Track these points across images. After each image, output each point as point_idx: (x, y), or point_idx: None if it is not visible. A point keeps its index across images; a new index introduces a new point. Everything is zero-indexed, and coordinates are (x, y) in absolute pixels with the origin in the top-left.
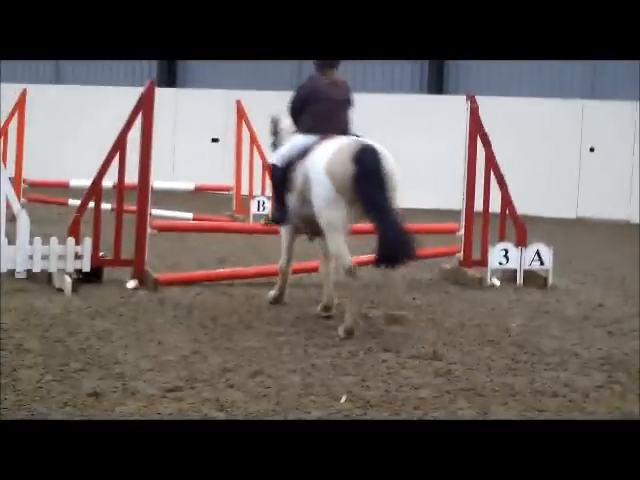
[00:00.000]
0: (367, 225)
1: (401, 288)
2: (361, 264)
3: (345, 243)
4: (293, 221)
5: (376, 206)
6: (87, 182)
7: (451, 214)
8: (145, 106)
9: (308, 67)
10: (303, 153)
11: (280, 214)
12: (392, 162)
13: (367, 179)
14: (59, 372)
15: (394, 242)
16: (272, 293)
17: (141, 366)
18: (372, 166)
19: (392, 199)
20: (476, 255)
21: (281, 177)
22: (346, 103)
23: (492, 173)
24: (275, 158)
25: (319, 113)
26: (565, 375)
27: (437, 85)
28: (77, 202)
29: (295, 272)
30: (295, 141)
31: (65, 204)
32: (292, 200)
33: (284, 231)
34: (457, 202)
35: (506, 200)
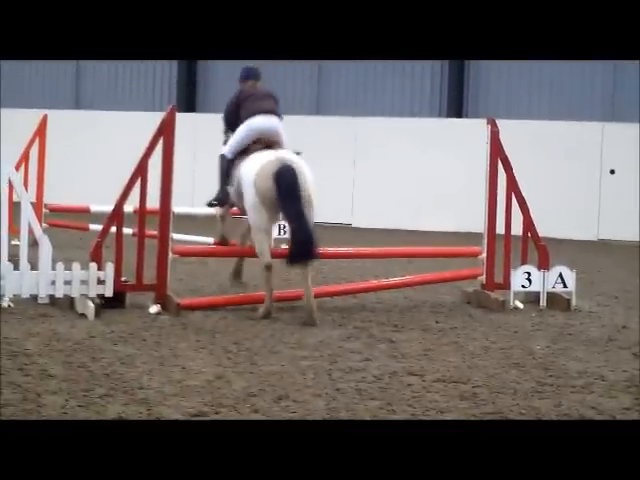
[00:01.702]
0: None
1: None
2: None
3: (267, 242)
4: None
5: (290, 214)
6: (108, 207)
7: (471, 236)
8: (166, 131)
9: (326, 93)
10: (245, 149)
11: (223, 197)
12: (308, 178)
13: (284, 193)
14: (83, 398)
15: (304, 244)
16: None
17: (165, 391)
18: (288, 183)
19: (304, 208)
20: (498, 278)
21: (226, 168)
22: (270, 96)
23: (513, 196)
24: (225, 149)
25: (251, 102)
26: (591, 398)
27: (456, 109)
28: (98, 227)
29: (317, 296)
30: (240, 131)
31: (86, 229)
32: (231, 190)
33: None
34: (478, 225)
35: (528, 223)
